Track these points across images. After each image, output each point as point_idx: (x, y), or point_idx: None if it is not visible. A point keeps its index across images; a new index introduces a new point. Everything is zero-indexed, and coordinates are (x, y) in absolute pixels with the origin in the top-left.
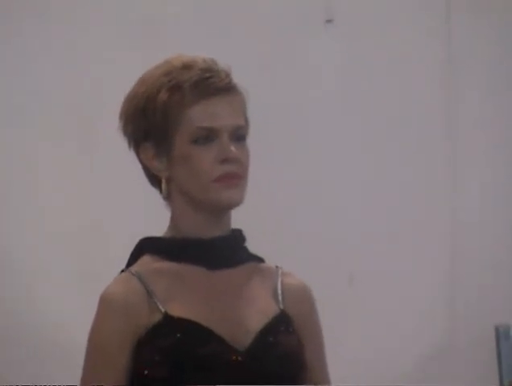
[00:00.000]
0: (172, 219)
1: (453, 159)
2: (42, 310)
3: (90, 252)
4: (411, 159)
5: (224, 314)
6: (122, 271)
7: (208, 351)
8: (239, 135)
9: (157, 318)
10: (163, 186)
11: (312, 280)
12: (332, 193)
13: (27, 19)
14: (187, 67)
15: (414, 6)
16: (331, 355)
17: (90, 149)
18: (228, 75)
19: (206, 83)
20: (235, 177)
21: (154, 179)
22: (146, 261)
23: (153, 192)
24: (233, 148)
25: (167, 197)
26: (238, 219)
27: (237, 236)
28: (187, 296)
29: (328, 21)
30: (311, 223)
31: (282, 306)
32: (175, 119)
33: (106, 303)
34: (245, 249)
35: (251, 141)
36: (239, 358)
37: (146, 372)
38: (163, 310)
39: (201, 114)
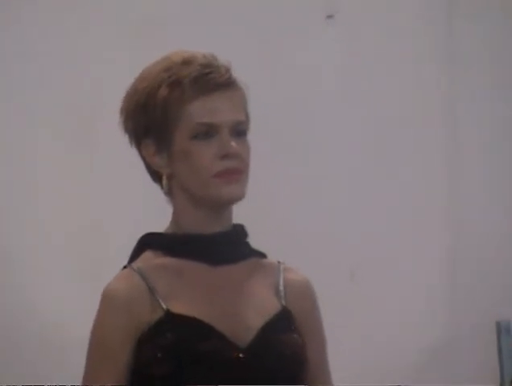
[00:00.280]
0: (174, 215)
1: (453, 158)
2: (41, 310)
3: (90, 252)
4: (412, 157)
5: (225, 311)
6: (124, 267)
7: (210, 347)
8: (239, 130)
9: (159, 314)
10: (164, 182)
11: (314, 276)
12: (334, 189)
13: (27, 19)
14: (187, 62)
15: (416, 2)
16: (332, 351)
17: (90, 148)
18: (228, 70)
19: (206, 78)
20: (236, 172)
21: (156, 176)
22: (148, 257)
23: (152, 192)
24: (233, 143)
25: (169, 193)
26: (240, 214)
27: (239, 232)
28: (188, 292)
29: (329, 17)
30: (312, 219)
31: (283, 302)
32: (175, 115)
33: (108, 299)
34: (247, 245)
35: (253, 138)
36: (240, 354)
37: (147, 369)
38: (164, 307)
39: (201, 110)
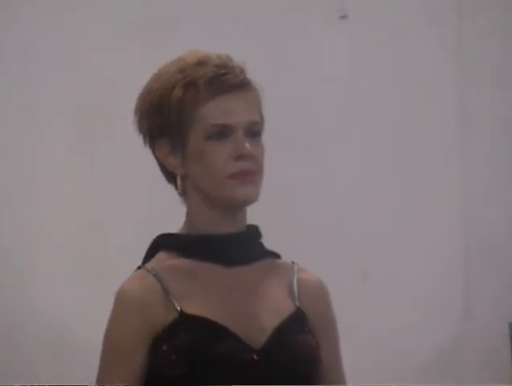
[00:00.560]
0: (188, 215)
1: (465, 157)
2: (42, 309)
3: (90, 251)
4: (425, 156)
5: (239, 312)
6: (139, 267)
7: (224, 348)
8: (254, 131)
9: (173, 316)
10: (179, 182)
11: (327, 276)
12: (346, 190)
13: (27, 18)
14: (201, 63)
15: (427, 3)
16: (345, 351)
17: (90, 148)
18: (242, 71)
19: (221, 79)
20: (250, 174)
21: (170, 176)
22: (162, 258)
23: (153, 192)
24: (247, 144)
25: (183, 194)
26: (253, 215)
27: (253, 233)
28: (202, 293)
29: (343, 17)
30: (325, 220)
31: (297, 303)
32: (189, 116)
33: (122, 301)
34: (261, 245)
35: (264, 137)
36: (254, 356)
37: (161, 370)
38: (178, 308)
39: (216, 111)
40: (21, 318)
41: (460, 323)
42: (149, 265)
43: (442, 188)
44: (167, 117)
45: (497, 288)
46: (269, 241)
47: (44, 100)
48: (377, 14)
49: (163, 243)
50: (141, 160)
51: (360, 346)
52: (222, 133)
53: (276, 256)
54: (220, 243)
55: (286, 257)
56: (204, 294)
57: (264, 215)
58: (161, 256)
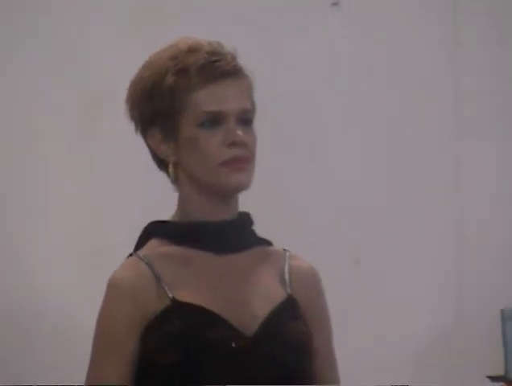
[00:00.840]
0: (179, 203)
1: (459, 146)
2: (43, 298)
3: (91, 244)
4: (419, 147)
5: (231, 299)
6: (130, 255)
7: (216, 335)
8: (246, 119)
9: (165, 303)
10: (171, 170)
11: (318, 261)
12: (337, 176)
13: (27, 17)
14: (193, 50)
15: (426, 1)
16: (337, 337)
17: (90, 147)
18: (234, 58)
19: (212, 66)
20: (243, 161)
21: (162, 164)
22: (154, 245)
23: (152, 185)
24: (240, 132)
25: (175, 181)
26: (244, 202)
27: (245, 220)
28: (194, 281)
29: (334, 4)
30: (316, 206)
31: (289, 290)
32: (181, 103)
33: (114, 288)
34: (253, 233)
35: (264, 137)
36: (246, 343)
37: (154, 357)
38: (170, 296)
39: (208, 98)
40: (22, 307)
41: (452, 309)
42: (141, 253)
43: (434, 176)
44: (158, 105)
45: (490, 274)
46: (260, 228)
47: (43, 100)
48: (378, 14)
49: (154, 230)
50: (142, 159)
51: (351, 332)
52: (214, 120)
53: (268, 243)
54: (212, 230)
55: (278, 244)
56: (196, 282)
57: (255, 202)
58: (153, 243)
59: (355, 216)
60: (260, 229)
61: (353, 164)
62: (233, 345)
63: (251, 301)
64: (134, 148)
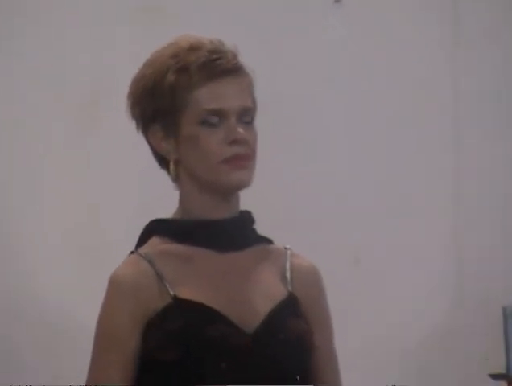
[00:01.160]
0: (181, 201)
1: (457, 148)
2: (41, 297)
3: (88, 241)
4: (419, 147)
5: (232, 297)
6: (131, 252)
7: (217, 333)
8: (247, 117)
9: (166, 300)
10: (172, 168)
11: (318, 260)
12: (338, 175)
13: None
14: (194, 48)
15: (426, 1)
16: (337, 336)
17: (87, 144)
18: (235, 56)
19: (213, 64)
20: (244, 158)
21: (163, 161)
22: (155, 243)
23: (149, 185)
24: (240, 129)
25: (176, 179)
26: (245, 201)
27: (246, 218)
28: (195, 279)
29: (337, 1)
30: (316, 205)
31: (290, 288)
32: (182, 101)
33: (115, 285)
34: (254, 231)
35: (264, 137)
36: (247, 340)
37: (155, 354)
38: (172, 293)
39: (209, 96)
40: (22, 305)
41: (453, 307)
42: (142, 250)
43: (433, 178)
44: (159, 102)
45: (491, 272)
46: (261, 227)
47: (41, 98)
48: (378, 14)
49: (155, 228)
50: (139, 156)
51: (351, 331)
52: (215, 118)
53: (269, 241)
54: (213, 228)
55: (278, 243)
56: (198, 279)
57: (256, 201)
58: (154, 241)
59: (355, 216)
60: (260, 228)
61: (353, 164)
62: (234, 342)
63: (252, 298)
64: (130, 145)
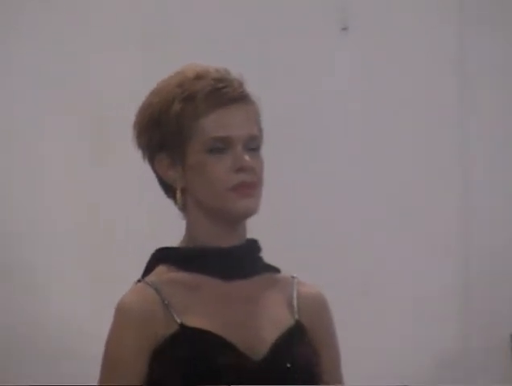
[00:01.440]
0: (188, 229)
1: (466, 164)
2: (43, 298)
3: (102, 254)
4: (425, 163)
5: (239, 325)
6: (138, 281)
7: (224, 361)
8: (253, 144)
9: (173, 328)
10: (178, 195)
11: (326, 289)
12: (346, 203)
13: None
14: (199, 77)
15: (428, 13)
16: (345, 363)
17: (90, 147)
18: (241, 84)
19: (219, 93)
20: (250, 186)
21: (170, 190)
22: (162, 271)
23: (149, 184)
24: (247, 157)
25: (183, 208)
26: (252, 228)
27: (253, 246)
28: (202, 307)
29: (344, 29)
30: (324, 233)
31: (297, 316)
32: (188, 129)
33: (122, 313)
34: (261, 259)
35: (264, 137)
36: (254, 368)
37: (162, 383)
38: (179, 321)
39: (215, 124)
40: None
41: (461, 335)
42: (149, 279)
43: (441, 201)
44: (166, 131)
45: (499, 299)
46: (268, 255)
47: (41, 98)
48: (378, 14)
49: (162, 256)
50: (139, 156)
51: (359, 359)
52: (222, 146)
53: (276, 270)
54: (220, 256)
55: (285, 271)
56: (204, 308)
57: (262, 228)
58: (161, 269)
59: (355, 216)
60: (260, 230)
61: (353, 164)
62: (241, 370)
63: (259, 326)
64: (131, 147)
